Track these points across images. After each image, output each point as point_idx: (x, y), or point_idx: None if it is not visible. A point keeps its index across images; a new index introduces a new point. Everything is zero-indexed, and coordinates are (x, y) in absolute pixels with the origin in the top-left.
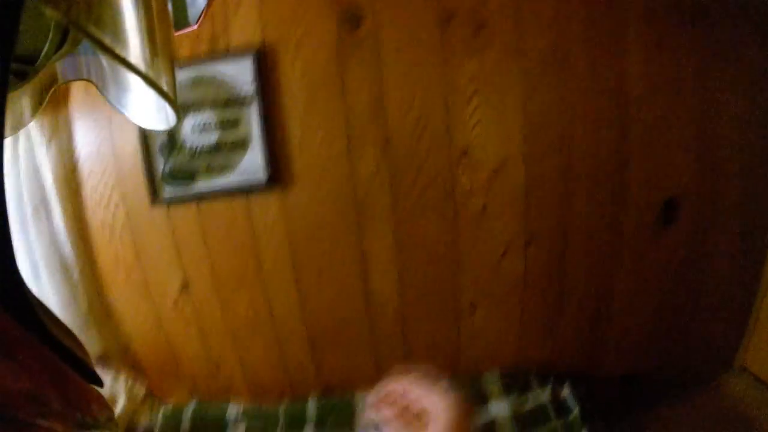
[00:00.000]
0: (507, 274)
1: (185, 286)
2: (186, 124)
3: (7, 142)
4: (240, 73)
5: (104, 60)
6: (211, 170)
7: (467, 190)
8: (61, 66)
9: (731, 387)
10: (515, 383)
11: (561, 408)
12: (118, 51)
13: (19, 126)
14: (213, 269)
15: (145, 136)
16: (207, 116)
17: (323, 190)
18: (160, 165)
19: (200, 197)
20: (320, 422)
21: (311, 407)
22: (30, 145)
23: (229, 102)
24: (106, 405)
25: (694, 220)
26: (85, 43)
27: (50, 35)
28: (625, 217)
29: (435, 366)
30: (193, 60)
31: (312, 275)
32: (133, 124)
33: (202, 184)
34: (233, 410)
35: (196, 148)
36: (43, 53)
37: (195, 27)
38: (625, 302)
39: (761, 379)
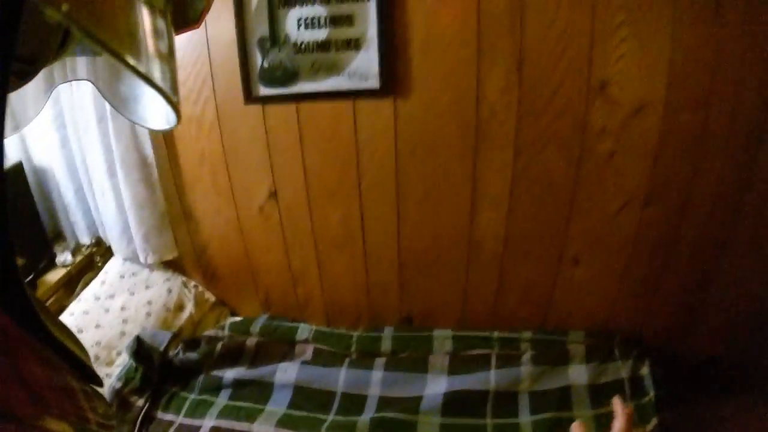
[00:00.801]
0: (619, 231)
1: (274, 193)
2: (291, 16)
3: None
4: None
5: (104, 60)
6: (316, 70)
7: (599, 130)
8: (61, 66)
9: None
10: (598, 349)
11: (637, 387)
12: (118, 51)
13: (19, 126)
14: (307, 177)
15: (243, 27)
16: (317, 10)
17: (443, 103)
18: (258, 60)
19: (300, 98)
20: (394, 355)
21: (387, 338)
22: None
23: None
24: (106, 405)
25: None
26: (86, 43)
27: (51, 35)
28: (750, 195)
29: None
30: None
31: (416, 196)
32: (231, 13)
33: (305, 85)
34: (305, 330)
35: (302, 44)
36: (43, 53)
37: (196, 27)
38: (731, 284)
39: None
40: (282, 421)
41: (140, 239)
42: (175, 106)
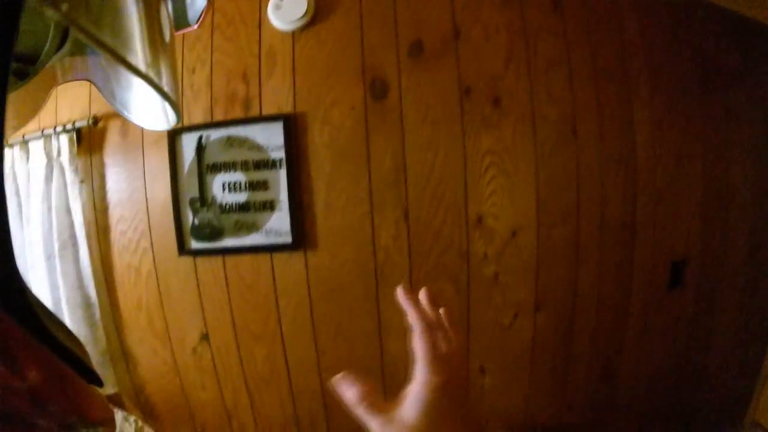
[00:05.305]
0: (517, 338)
1: (205, 336)
2: (217, 181)
3: (41, 178)
4: (271, 137)
5: (104, 60)
6: (239, 228)
7: (481, 257)
8: (61, 66)
9: None
10: None
11: None
12: (118, 51)
13: (18, 125)
14: (234, 321)
15: (177, 189)
16: (238, 176)
17: (345, 253)
18: (190, 218)
19: (226, 252)
20: None
21: None
22: (63, 183)
23: (259, 164)
24: (106, 405)
25: (699, 281)
26: (86, 43)
27: (50, 35)
28: (633, 281)
29: None
30: (227, 121)
31: (330, 333)
32: (166, 177)
33: (229, 241)
34: None
35: (226, 205)
36: (43, 53)
37: (195, 27)
38: (634, 362)
39: None
40: None
41: None
42: (175, 105)
